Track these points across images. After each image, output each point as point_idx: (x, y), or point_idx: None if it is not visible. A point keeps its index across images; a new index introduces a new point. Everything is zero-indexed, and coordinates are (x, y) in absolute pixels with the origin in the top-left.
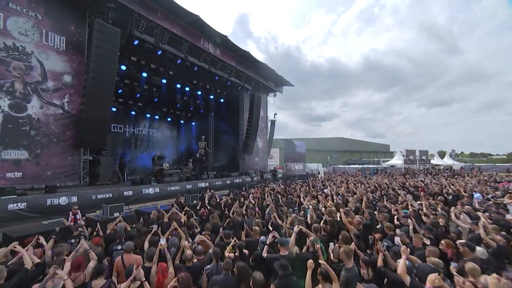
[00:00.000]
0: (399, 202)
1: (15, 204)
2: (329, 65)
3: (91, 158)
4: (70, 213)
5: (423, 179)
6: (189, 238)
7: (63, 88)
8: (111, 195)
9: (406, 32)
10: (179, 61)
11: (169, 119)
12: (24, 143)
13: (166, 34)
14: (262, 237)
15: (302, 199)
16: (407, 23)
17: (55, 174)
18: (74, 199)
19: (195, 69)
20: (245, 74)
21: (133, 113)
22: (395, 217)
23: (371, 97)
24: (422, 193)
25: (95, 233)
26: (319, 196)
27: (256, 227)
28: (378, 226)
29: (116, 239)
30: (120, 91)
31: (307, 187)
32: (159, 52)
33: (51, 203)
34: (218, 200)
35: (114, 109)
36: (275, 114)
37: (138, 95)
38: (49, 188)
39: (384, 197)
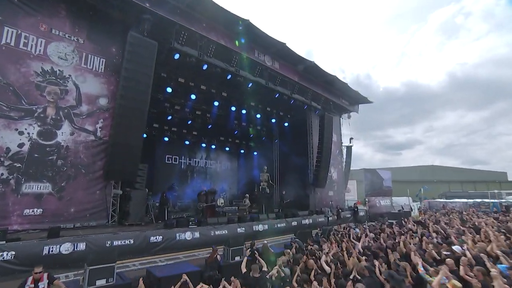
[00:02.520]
0: None
1: None
2: (406, 89)
3: (120, 193)
4: (30, 279)
5: None
6: None
7: (97, 112)
8: (132, 242)
9: (507, 36)
10: (229, 77)
11: (227, 148)
12: (48, 174)
13: (211, 46)
14: None
15: (419, 267)
16: (509, 25)
17: (79, 211)
18: (82, 246)
19: (249, 85)
20: (311, 90)
21: (187, 142)
22: None
23: (464, 118)
24: None
25: None
26: (447, 259)
27: None
28: None
29: None
30: (169, 117)
31: (418, 239)
32: (205, 67)
33: (48, 251)
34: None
35: (166, 139)
36: (351, 138)
37: (189, 122)
38: (52, 231)
39: None
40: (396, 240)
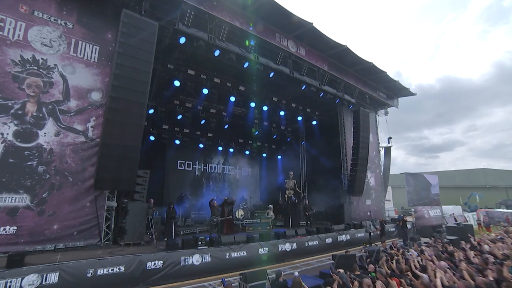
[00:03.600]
0: None
1: None
2: (442, 85)
3: (115, 205)
4: None
5: None
6: None
7: (89, 108)
8: (122, 269)
9: None
10: (246, 65)
11: (247, 152)
12: (26, 183)
13: (224, 28)
14: None
15: None
16: None
17: (64, 229)
18: (53, 278)
19: (271, 75)
20: (344, 81)
21: (201, 146)
22: None
23: None
24: None
25: None
26: None
27: None
28: None
29: None
30: (180, 117)
31: None
32: (217, 53)
33: None
34: None
35: (178, 142)
36: (390, 138)
37: (203, 122)
38: (11, 259)
39: None
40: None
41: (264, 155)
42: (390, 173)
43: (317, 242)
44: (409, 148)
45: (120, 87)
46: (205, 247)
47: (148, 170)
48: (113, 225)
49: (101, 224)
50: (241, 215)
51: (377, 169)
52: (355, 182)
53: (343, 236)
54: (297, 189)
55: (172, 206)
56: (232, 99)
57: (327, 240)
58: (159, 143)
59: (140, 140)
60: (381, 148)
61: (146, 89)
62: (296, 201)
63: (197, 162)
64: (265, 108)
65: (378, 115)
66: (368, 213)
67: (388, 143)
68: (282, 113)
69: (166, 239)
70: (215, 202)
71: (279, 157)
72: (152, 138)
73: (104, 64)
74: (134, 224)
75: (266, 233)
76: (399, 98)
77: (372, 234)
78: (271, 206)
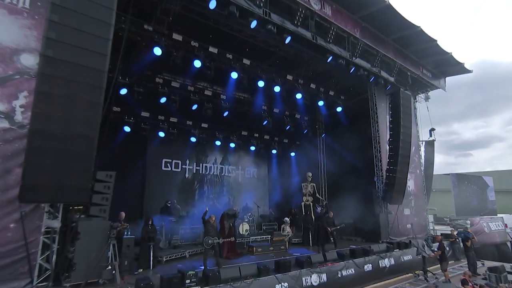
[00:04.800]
0: None
1: None
2: (476, 71)
3: (59, 226)
4: None
5: None
6: None
7: (16, 78)
8: None
9: None
10: (254, 24)
11: (252, 148)
12: None
13: None
14: None
15: None
16: None
17: None
18: None
19: (287, 40)
20: (380, 53)
21: (193, 139)
22: None
23: None
24: None
25: None
26: None
27: None
28: None
29: None
30: (163, 100)
31: None
32: (213, 5)
33: None
34: None
35: (162, 135)
36: (432, 130)
37: (195, 107)
38: None
39: None
40: None
41: (274, 151)
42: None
43: (353, 271)
44: (436, 145)
45: (60, 42)
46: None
47: (113, 172)
48: (54, 256)
49: (33, 256)
50: (246, 230)
51: (417, 169)
52: (394, 186)
53: (386, 260)
54: (317, 194)
55: (150, 223)
56: (234, 75)
57: (365, 267)
58: (137, 136)
59: (97, 127)
60: (421, 143)
61: (105, 50)
62: (324, 211)
63: (187, 161)
64: (277, 89)
65: (416, 101)
66: (408, 226)
67: (430, 135)
68: (298, 95)
69: (140, 271)
70: (213, 217)
71: (292, 154)
72: (127, 129)
73: (41, 13)
74: (88, 253)
75: (285, 262)
76: (447, 78)
77: (425, 255)
78: (287, 219)
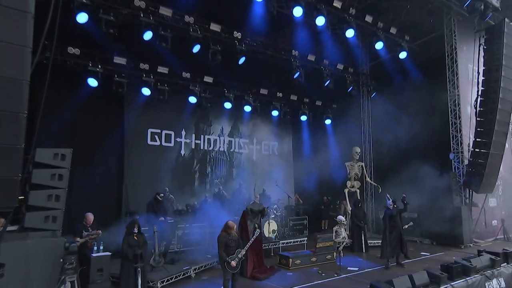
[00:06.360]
0: None
1: None
2: None
3: None
4: None
5: None
6: None
7: None
8: None
9: None
10: None
11: (274, 112)
12: None
13: None
14: None
15: None
16: None
17: None
18: None
19: None
20: None
21: (192, 100)
22: None
23: None
24: None
25: None
26: None
27: None
28: None
29: None
30: (149, 37)
31: None
32: None
33: None
34: None
35: (147, 92)
36: None
37: (196, 48)
38: None
39: None
40: None
41: (304, 117)
42: None
43: None
44: None
45: None
46: None
47: (68, 149)
48: None
49: None
50: (274, 231)
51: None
52: (484, 168)
53: (495, 281)
54: (367, 178)
55: (136, 231)
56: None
57: None
58: (109, 94)
59: (28, 74)
60: None
61: None
62: (402, 208)
63: (183, 132)
64: (320, 21)
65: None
66: (494, 222)
67: None
68: (350, 33)
69: None
70: (232, 225)
71: (328, 121)
72: (92, 82)
73: None
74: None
75: None
76: None
77: None
78: (341, 218)
